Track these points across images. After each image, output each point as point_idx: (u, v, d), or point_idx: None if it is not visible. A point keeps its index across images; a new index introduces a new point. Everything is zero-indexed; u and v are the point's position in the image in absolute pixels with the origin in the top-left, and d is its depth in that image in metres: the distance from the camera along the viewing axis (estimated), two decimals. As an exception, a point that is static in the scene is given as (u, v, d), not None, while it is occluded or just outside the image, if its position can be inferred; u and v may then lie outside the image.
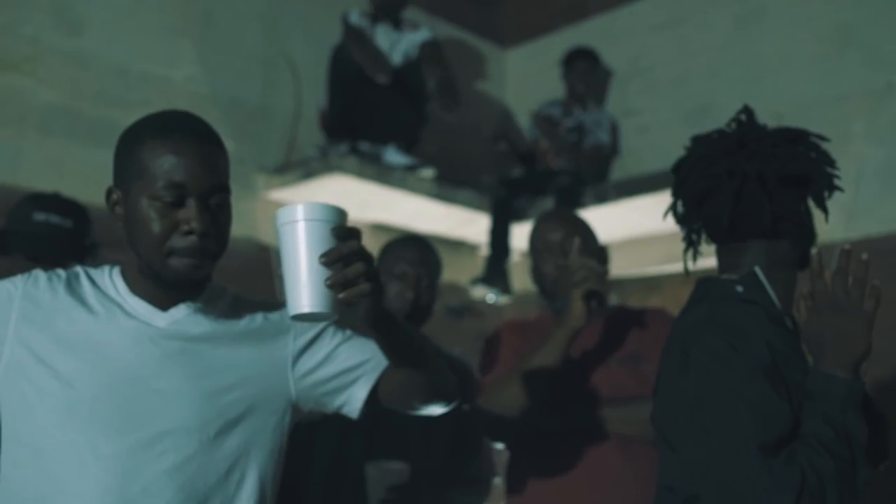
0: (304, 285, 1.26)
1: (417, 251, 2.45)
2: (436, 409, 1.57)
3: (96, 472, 1.35)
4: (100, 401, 1.38)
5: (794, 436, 1.50)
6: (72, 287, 1.47)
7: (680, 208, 1.79)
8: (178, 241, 1.39)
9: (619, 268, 4.95)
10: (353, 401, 1.55)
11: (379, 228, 4.64)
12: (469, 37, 5.51)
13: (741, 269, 1.71)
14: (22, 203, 2.34)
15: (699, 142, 1.78)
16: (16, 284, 1.46)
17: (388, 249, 2.48)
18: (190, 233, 1.38)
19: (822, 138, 1.72)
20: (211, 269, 1.47)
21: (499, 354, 2.33)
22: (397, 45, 4.40)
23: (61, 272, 1.49)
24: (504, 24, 5.75)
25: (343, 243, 1.28)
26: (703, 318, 1.63)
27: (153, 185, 1.38)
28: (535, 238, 2.40)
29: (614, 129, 5.00)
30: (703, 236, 1.79)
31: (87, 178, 3.55)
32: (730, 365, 1.53)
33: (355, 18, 4.34)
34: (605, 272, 2.17)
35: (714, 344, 1.56)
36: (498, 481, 2.56)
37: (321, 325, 1.57)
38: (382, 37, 4.38)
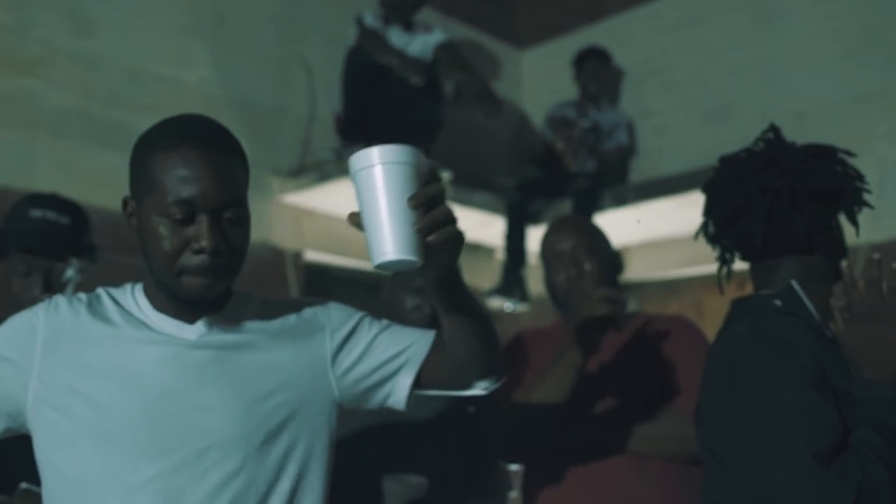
0: (387, 231, 1.19)
1: None
2: (485, 385, 1.49)
3: (142, 497, 1.31)
4: (136, 423, 1.33)
5: (845, 445, 1.48)
6: (94, 308, 1.42)
7: (711, 228, 1.80)
8: (188, 260, 1.33)
9: (637, 271, 4.93)
10: (399, 390, 1.48)
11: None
12: (484, 38, 5.46)
13: (776, 286, 1.72)
14: (18, 202, 2.29)
15: (728, 161, 1.80)
16: (37, 314, 1.41)
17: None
18: (200, 251, 1.32)
19: (849, 153, 1.75)
20: (226, 286, 1.41)
21: (514, 361, 2.28)
22: (409, 47, 4.34)
23: (82, 295, 1.44)
24: (520, 24, 5.70)
25: (427, 185, 1.23)
26: (746, 333, 1.63)
27: (163, 200, 1.32)
28: (545, 248, 2.35)
29: (630, 129, 4.95)
30: (736, 255, 1.81)
31: (99, 180, 3.52)
32: (778, 375, 1.52)
33: (370, 20, 4.29)
34: (624, 301, 2.14)
35: (760, 356, 1.56)
36: (514, 495, 2.51)
37: (355, 319, 1.50)
38: (394, 39, 4.32)
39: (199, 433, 1.34)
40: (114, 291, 1.46)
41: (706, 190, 1.82)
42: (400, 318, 2.19)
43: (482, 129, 5.04)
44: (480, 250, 4.97)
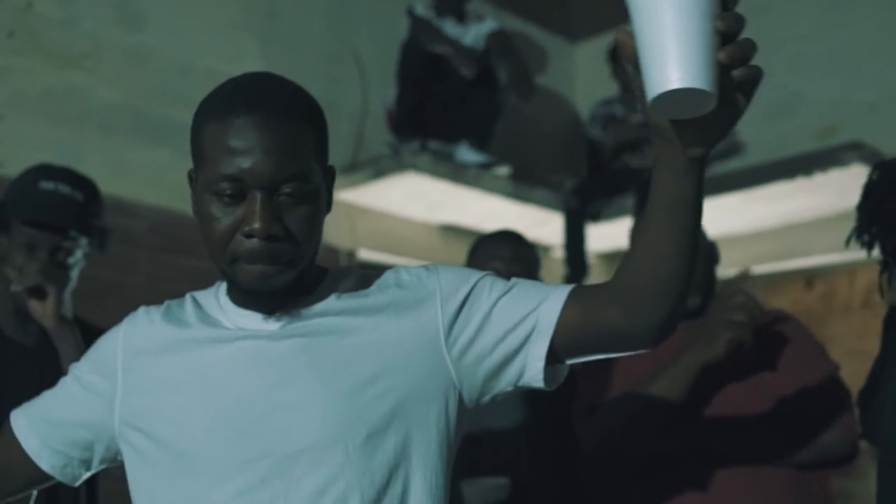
0: (676, 51, 0.90)
1: (511, 246, 2.24)
2: (658, 338, 1.14)
3: None
4: (217, 432, 1.16)
5: None
6: (171, 314, 1.28)
7: (870, 235, 1.70)
8: (239, 245, 1.14)
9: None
10: (533, 361, 1.18)
11: (449, 230, 4.48)
12: (536, 31, 5.32)
13: None
14: (27, 171, 2.03)
15: (888, 166, 1.72)
16: (119, 330, 1.30)
17: (479, 245, 2.29)
18: (250, 235, 1.13)
19: None
20: (294, 275, 1.19)
21: (603, 369, 2.15)
22: (463, 38, 4.25)
23: (170, 303, 1.31)
24: (573, 17, 5.55)
25: (732, 7, 0.93)
26: None
27: (211, 175, 1.14)
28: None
29: None
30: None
31: (149, 178, 3.44)
32: None
33: (420, 10, 4.20)
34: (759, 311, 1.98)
35: None
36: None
37: (472, 281, 1.22)
38: (448, 30, 4.24)
39: (286, 437, 1.14)
40: (199, 294, 1.31)
41: (866, 195, 1.70)
42: None
43: (535, 125, 4.92)
44: (538, 249, 4.85)
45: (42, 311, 1.93)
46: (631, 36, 0.95)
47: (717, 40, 0.91)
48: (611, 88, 4.96)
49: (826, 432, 1.89)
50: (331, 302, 1.23)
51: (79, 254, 2.00)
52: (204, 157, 1.16)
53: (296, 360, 1.18)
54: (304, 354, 1.18)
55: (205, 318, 1.25)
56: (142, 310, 1.31)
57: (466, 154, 4.08)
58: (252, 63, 3.87)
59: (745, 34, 0.93)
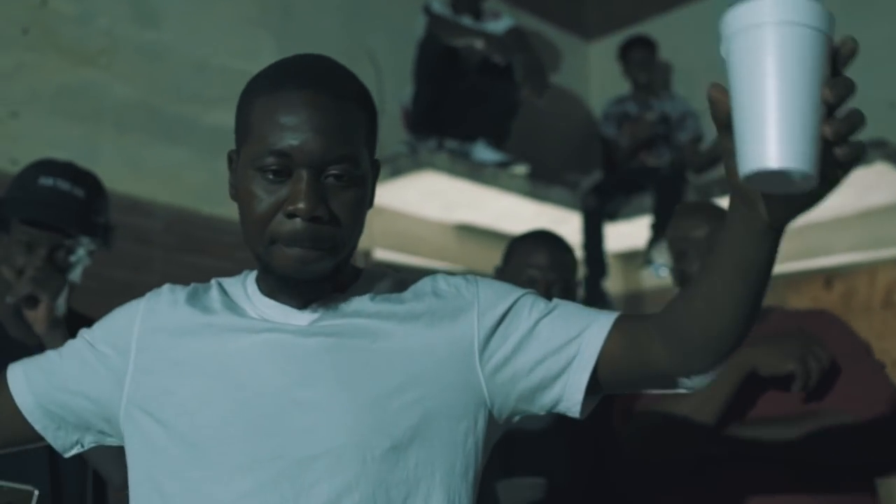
0: (775, 127, 0.80)
1: (549, 253, 2.14)
2: (698, 379, 1.09)
3: None
4: (230, 425, 1.08)
5: None
6: (196, 296, 1.21)
7: None
8: (281, 225, 1.08)
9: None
10: (572, 392, 1.12)
11: (464, 230, 4.45)
12: (550, 29, 5.28)
13: None
14: (27, 168, 1.97)
15: None
16: (139, 304, 1.22)
17: (514, 249, 2.20)
18: (293, 214, 1.07)
19: None
20: (333, 264, 1.12)
21: None
22: None
23: (196, 285, 1.24)
24: (587, 15, 5.52)
25: (843, 73, 0.84)
26: None
27: (256, 150, 1.09)
28: (676, 234, 2.09)
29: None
30: None
31: (164, 176, 3.42)
32: None
33: (437, 7, 4.17)
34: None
35: None
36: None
37: (512, 297, 1.17)
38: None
39: (303, 439, 1.07)
40: (226, 281, 1.25)
41: None
42: None
43: (549, 123, 4.88)
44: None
45: (34, 317, 1.87)
46: (724, 93, 0.86)
47: (822, 112, 0.82)
48: (624, 86, 4.93)
49: (878, 434, 1.83)
50: (364, 302, 1.17)
51: (81, 252, 1.93)
52: (250, 133, 1.11)
53: (321, 360, 1.11)
54: (331, 354, 1.12)
55: (231, 305, 1.19)
56: (167, 288, 1.24)
57: (483, 152, 4.05)
58: (267, 60, 3.79)
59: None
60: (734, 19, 0.84)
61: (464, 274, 1.24)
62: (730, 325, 1.01)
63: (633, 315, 1.16)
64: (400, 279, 1.23)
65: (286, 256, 1.09)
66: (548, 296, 2.02)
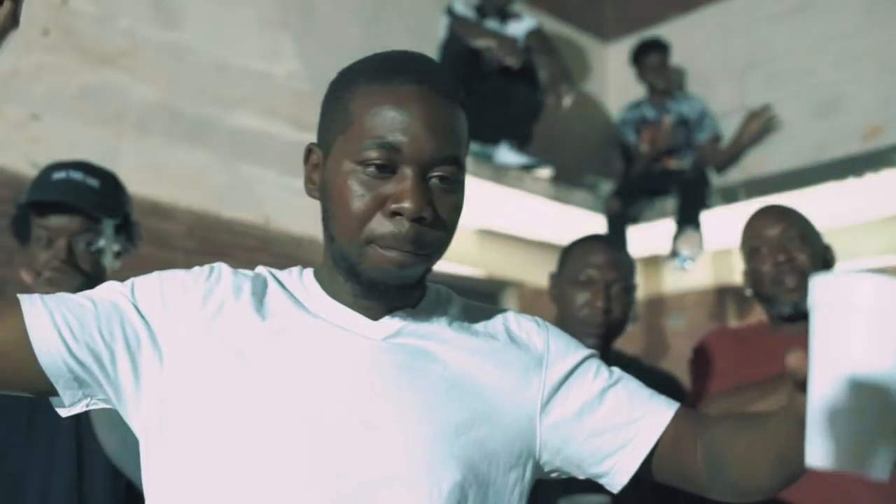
0: (856, 441, 0.73)
1: (606, 251, 2.11)
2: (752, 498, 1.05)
3: None
4: (292, 440, 0.98)
5: None
6: (257, 287, 1.10)
7: None
8: (380, 226, 1.01)
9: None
10: (619, 474, 1.10)
11: (485, 234, 4.39)
12: (569, 30, 5.24)
13: None
14: (40, 172, 1.90)
15: None
16: (194, 278, 1.08)
17: (571, 252, 2.16)
18: (398, 213, 1.00)
19: None
20: (425, 270, 1.08)
21: (714, 366, 2.04)
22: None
23: (252, 275, 1.12)
24: (606, 16, 5.47)
25: None
26: None
27: (359, 142, 1.01)
28: (749, 234, 2.11)
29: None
30: None
31: (186, 179, 3.36)
32: None
33: (460, 8, 4.12)
34: None
35: None
36: None
37: (580, 355, 1.14)
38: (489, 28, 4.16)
39: (369, 460, 0.98)
40: (277, 273, 1.15)
41: None
42: (570, 315, 2.02)
43: (568, 125, 4.83)
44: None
45: None
46: (804, 360, 0.78)
47: None
48: (643, 88, 4.89)
49: None
50: (439, 326, 1.11)
51: (101, 242, 1.84)
52: (352, 123, 1.03)
53: (396, 378, 1.04)
54: (406, 376, 1.04)
55: (296, 305, 1.09)
56: (226, 269, 1.12)
57: (507, 155, 4.00)
58: (288, 61, 3.79)
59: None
60: (831, 287, 0.75)
61: (533, 318, 1.20)
62: (764, 488, 1.01)
63: (689, 413, 1.14)
64: (467, 305, 1.19)
65: (383, 258, 1.02)
66: (607, 297, 2.01)
